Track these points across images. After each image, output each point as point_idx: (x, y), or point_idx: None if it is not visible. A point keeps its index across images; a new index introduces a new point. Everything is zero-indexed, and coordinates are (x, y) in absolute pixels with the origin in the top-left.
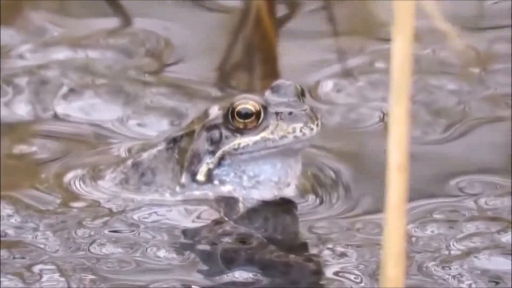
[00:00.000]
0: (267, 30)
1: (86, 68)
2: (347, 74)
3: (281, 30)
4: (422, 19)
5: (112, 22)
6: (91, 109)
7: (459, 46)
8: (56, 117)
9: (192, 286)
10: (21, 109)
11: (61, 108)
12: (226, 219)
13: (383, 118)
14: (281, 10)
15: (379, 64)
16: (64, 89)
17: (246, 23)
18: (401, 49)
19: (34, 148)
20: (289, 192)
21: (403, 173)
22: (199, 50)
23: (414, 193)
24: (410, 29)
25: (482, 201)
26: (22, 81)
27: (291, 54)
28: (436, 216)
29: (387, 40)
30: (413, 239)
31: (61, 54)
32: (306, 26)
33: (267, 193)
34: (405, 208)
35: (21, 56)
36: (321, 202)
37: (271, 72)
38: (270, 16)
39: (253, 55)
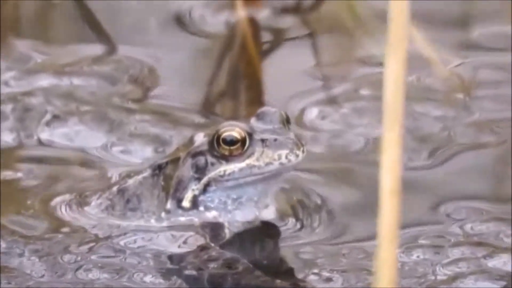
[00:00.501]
0: (252, 57)
1: (71, 95)
2: (331, 101)
3: (266, 57)
4: (407, 45)
5: (97, 49)
6: (75, 136)
7: (443, 72)
8: (40, 143)
9: None
10: (6, 136)
11: (45, 134)
12: (212, 244)
13: (367, 145)
14: (266, 36)
15: (364, 91)
16: (48, 116)
17: (231, 50)
18: (394, 73)
19: (19, 174)
20: (270, 214)
21: (395, 198)
22: (184, 77)
23: (400, 219)
24: (403, 54)
25: (467, 226)
26: (7, 108)
27: (276, 81)
28: (422, 241)
29: (372, 66)
30: (399, 264)
31: (45, 81)
32: (291, 53)
33: (249, 213)
34: (397, 233)
35: (5, 83)
36: (306, 227)
37: (256, 99)
38: (255, 43)
39: (238, 82)
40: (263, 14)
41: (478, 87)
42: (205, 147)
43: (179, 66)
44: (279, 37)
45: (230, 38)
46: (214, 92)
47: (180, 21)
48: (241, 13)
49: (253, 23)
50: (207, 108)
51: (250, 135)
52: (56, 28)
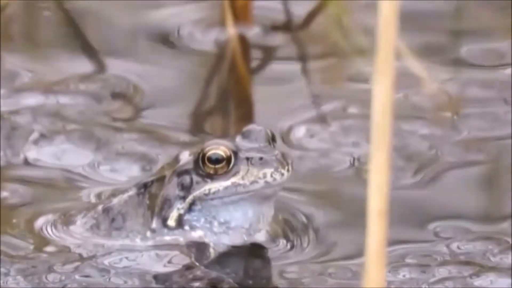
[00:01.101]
0: (242, 74)
1: (58, 113)
2: (319, 119)
3: (256, 74)
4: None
5: (85, 67)
6: (62, 155)
7: (432, 89)
8: (27, 162)
9: None
10: None
11: (32, 153)
12: (197, 264)
13: (355, 163)
14: (256, 54)
15: (352, 110)
16: (35, 135)
17: (220, 68)
18: (382, 94)
19: (5, 193)
20: (260, 237)
21: (383, 218)
22: (172, 95)
23: (387, 238)
24: (391, 73)
25: (454, 245)
26: None
27: (265, 99)
28: (408, 260)
29: (361, 84)
30: (386, 283)
31: (32, 99)
32: (280, 71)
33: (237, 239)
34: (385, 253)
35: None
36: (292, 247)
37: (245, 116)
38: (245, 61)
39: (228, 100)
40: (253, 32)
41: (466, 104)
42: (190, 166)
43: (167, 85)
44: (269, 55)
45: (220, 56)
46: (203, 110)
47: (169, 39)
48: (231, 30)
49: (243, 40)
50: (196, 126)
51: (235, 153)
52: (44, 46)
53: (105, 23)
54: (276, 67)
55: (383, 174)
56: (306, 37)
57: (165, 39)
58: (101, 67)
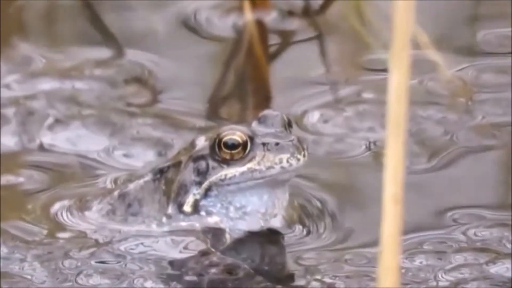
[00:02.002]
0: (259, 60)
1: (73, 99)
2: (335, 104)
3: (273, 60)
4: (411, 48)
5: (102, 52)
6: (77, 140)
7: (447, 75)
8: (42, 147)
9: None
10: (8, 140)
11: (47, 138)
12: (213, 250)
13: (370, 148)
14: (273, 39)
15: (367, 95)
16: (51, 120)
17: (238, 53)
18: (397, 79)
19: (20, 179)
20: (276, 223)
21: (398, 205)
22: (189, 80)
23: (403, 225)
24: (407, 62)
25: (470, 232)
26: (9, 111)
27: (282, 84)
28: (425, 247)
29: (377, 70)
30: (402, 270)
31: (47, 84)
32: (298, 56)
33: (254, 224)
34: (400, 239)
35: (7, 87)
36: (308, 233)
37: (262, 102)
38: (262, 46)
39: (245, 85)
40: (270, 17)
41: (480, 90)
42: (206, 151)
43: (184, 70)
44: (286, 40)
45: (237, 41)
46: (219, 95)
47: (187, 25)
48: (248, 16)
49: (261, 26)
50: (212, 111)
51: (251, 139)
52: (61, 31)
53: (121, 7)
54: (293, 52)
55: (399, 159)
56: (323, 22)
57: (183, 25)
58: (117, 53)
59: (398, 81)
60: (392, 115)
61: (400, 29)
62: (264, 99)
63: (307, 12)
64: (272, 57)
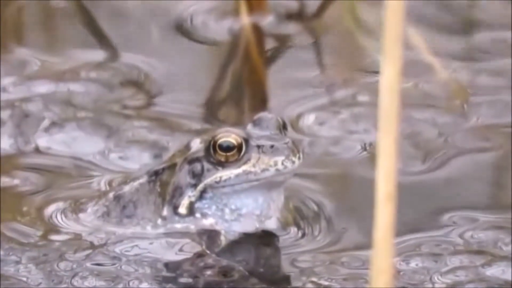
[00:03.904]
0: (256, 63)
1: (68, 101)
2: (330, 107)
3: (270, 63)
4: (405, 51)
5: (97, 55)
6: (73, 142)
7: (442, 78)
8: (38, 150)
9: None
10: (4, 142)
11: (43, 141)
12: (208, 252)
13: (366, 150)
14: (270, 43)
15: (363, 97)
16: (46, 122)
17: (234, 57)
18: (389, 80)
19: (16, 181)
20: (271, 225)
21: (391, 203)
22: (184, 83)
23: (398, 227)
24: (399, 61)
25: (467, 234)
26: (5, 114)
27: (279, 87)
28: (421, 249)
29: (373, 72)
30: (398, 272)
31: (43, 87)
32: (295, 59)
33: (249, 226)
34: (393, 238)
35: (3, 89)
36: (304, 235)
37: (259, 105)
38: (259, 50)
39: (241, 88)
40: (267, 21)
41: (476, 93)
42: (201, 153)
43: (180, 73)
44: (283, 44)
45: (234, 45)
46: (216, 98)
47: (182, 28)
48: (245, 19)
49: (257, 29)
50: (208, 114)
51: (246, 141)
52: (57, 34)
53: (117, 11)
54: (290, 56)
55: (391, 157)
56: (320, 25)
57: (178, 28)
58: (112, 55)
59: (390, 77)
60: (383, 112)
61: (391, 25)
62: (260, 102)
63: (303, 16)
64: (269, 60)
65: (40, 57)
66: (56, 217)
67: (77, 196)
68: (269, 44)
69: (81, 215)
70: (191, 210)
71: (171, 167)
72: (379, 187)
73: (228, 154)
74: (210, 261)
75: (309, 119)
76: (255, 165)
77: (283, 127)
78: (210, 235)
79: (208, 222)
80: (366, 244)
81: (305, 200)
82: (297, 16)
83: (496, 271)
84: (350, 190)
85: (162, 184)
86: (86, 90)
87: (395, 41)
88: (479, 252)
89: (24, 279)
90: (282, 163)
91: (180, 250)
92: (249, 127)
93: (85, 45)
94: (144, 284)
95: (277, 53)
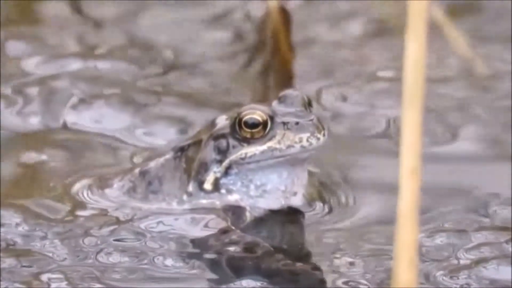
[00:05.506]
0: (282, 42)
1: (96, 78)
2: (355, 82)
3: (296, 42)
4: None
5: (124, 34)
6: (100, 119)
7: (465, 53)
8: (65, 126)
9: None
10: (32, 119)
11: (70, 118)
12: (233, 228)
13: (390, 126)
14: (296, 24)
15: (386, 73)
16: (74, 99)
17: (262, 36)
18: (414, 52)
19: (43, 157)
20: (296, 201)
21: (416, 177)
22: (212, 62)
23: (422, 203)
24: (424, 34)
25: (491, 210)
26: (33, 91)
27: (305, 65)
28: (445, 225)
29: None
30: (422, 248)
31: (71, 65)
32: (321, 40)
33: (274, 202)
34: (418, 211)
35: (32, 67)
36: (329, 212)
37: (285, 82)
38: (285, 29)
39: (268, 66)
40: (294, 2)
41: (499, 67)
42: (227, 130)
43: (208, 52)
44: (308, 25)
45: (262, 24)
46: (243, 76)
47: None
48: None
49: (284, 11)
50: (236, 91)
51: (271, 118)
52: (86, 12)
53: None
54: (316, 36)
55: (415, 131)
56: (344, 4)
57: (207, 9)
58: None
59: (415, 50)
60: (408, 85)
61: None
62: (286, 80)
63: None
64: (296, 40)
65: (68, 35)
66: (82, 193)
67: (104, 172)
68: (296, 25)
69: (107, 191)
70: (216, 186)
71: (197, 143)
72: (403, 161)
73: (253, 130)
74: (235, 237)
75: (334, 95)
76: (280, 141)
77: (308, 104)
78: (235, 211)
79: (233, 198)
80: (391, 220)
81: (331, 176)
82: None
83: None
84: (376, 166)
85: (188, 160)
86: (114, 67)
87: (419, 16)
88: (504, 229)
89: (50, 254)
90: (307, 140)
91: (205, 226)
92: (275, 104)
93: (113, 24)
94: (169, 260)
95: (303, 34)
